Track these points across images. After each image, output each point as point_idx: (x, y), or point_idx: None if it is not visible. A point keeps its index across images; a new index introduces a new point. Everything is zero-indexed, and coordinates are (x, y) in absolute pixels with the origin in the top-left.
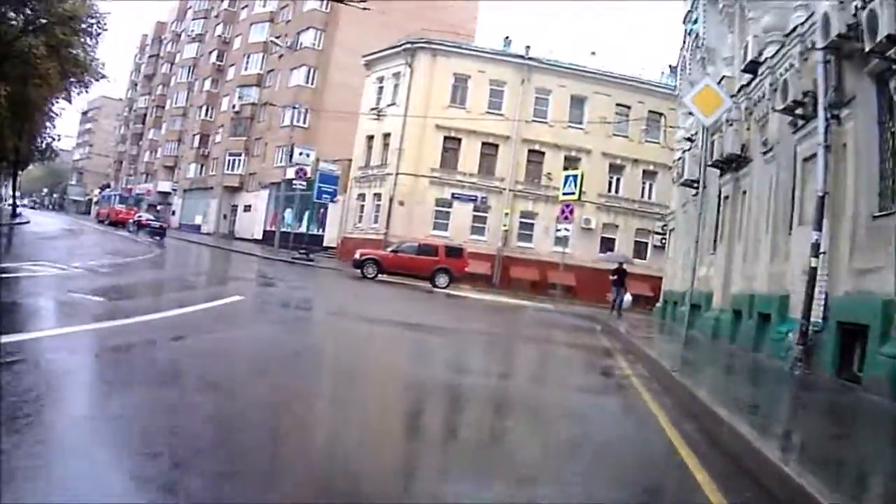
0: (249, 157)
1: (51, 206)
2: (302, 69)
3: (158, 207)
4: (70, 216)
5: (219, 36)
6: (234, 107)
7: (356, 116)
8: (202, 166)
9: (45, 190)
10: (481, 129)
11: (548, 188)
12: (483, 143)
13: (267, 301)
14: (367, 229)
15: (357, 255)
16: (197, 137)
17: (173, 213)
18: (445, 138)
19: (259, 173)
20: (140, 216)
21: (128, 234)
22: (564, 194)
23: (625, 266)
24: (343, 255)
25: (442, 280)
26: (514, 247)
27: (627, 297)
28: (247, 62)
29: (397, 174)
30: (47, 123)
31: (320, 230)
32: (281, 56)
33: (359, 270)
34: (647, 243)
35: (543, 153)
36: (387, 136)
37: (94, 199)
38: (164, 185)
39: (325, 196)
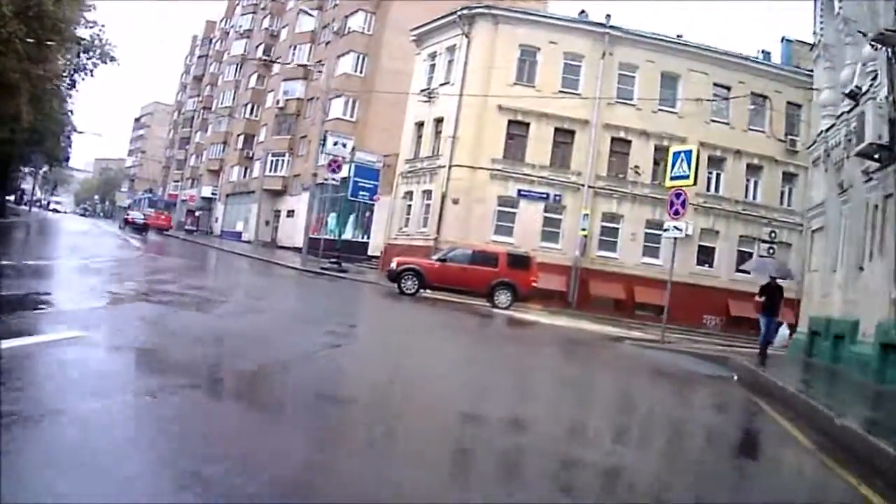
0: (294, 157)
1: (101, 214)
2: (349, 56)
3: (197, 213)
4: (108, 222)
5: (266, 29)
6: (278, 102)
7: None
8: (246, 169)
9: (97, 197)
10: (554, 111)
11: (635, 184)
12: (556, 129)
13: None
14: (415, 234)
15: (393, 265)
16: (241, 138)
17: (215, 219)
18: (510, 122)
19: (303, 175)
20: (128, 215)
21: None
22: (674, 178)
23: (780, 282)
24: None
25: (503, 298)
26: (593, 257)
27: (783, 332)
28: (293, 54)
29: (451, 167)
30: (50, 108)
31: (365, 236)
32: (328, 43)
33: (396, 284)
34: (751, 254)
35: (629, 141)
36: (439, 121)
37: (126, 205)
38: (208, 191)
39: (361, 193)
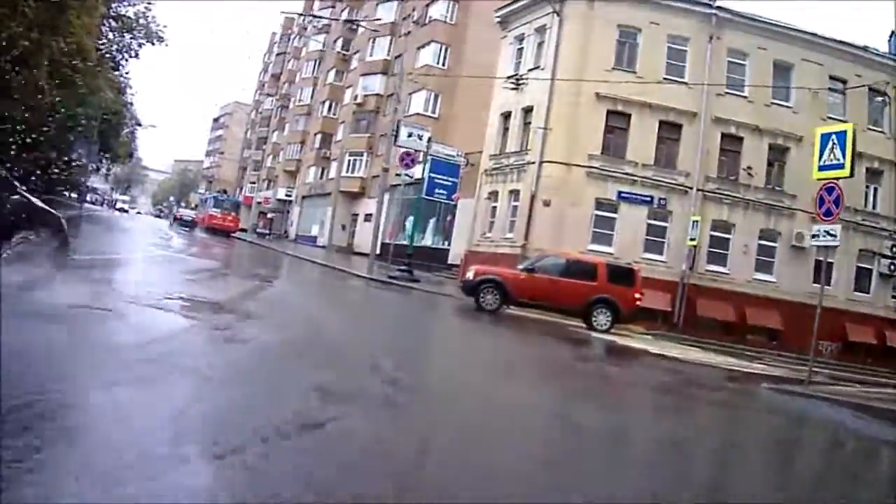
0: (372, 156)
1: None
2: (431, 46)
3: (269, 216)
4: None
5: (345, 21)
6: (356, 98)
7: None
8: (323, 170)
9: (172, 198)
10: (658, 100)
11: (747, 188)
12: (661, 123)
13: None
14: (500, 240)
15: (469, 275)
16: (318, 137)
17: (290, 223)
18: (609, 113)
19: (381, 178)
20: (178, 212)
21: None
22: (823, 168)
23: None
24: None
25: (602, 319)
26: (701, 271)
27: None
28: (372, 47)
29: (542, 163)
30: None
31: (445, 243)
32: (408, 33)
33: (473, 299)
34: (870, 270)
35: (741, 139)
36: (528, 111)
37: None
38: (284, 193)
39: (438, 192)
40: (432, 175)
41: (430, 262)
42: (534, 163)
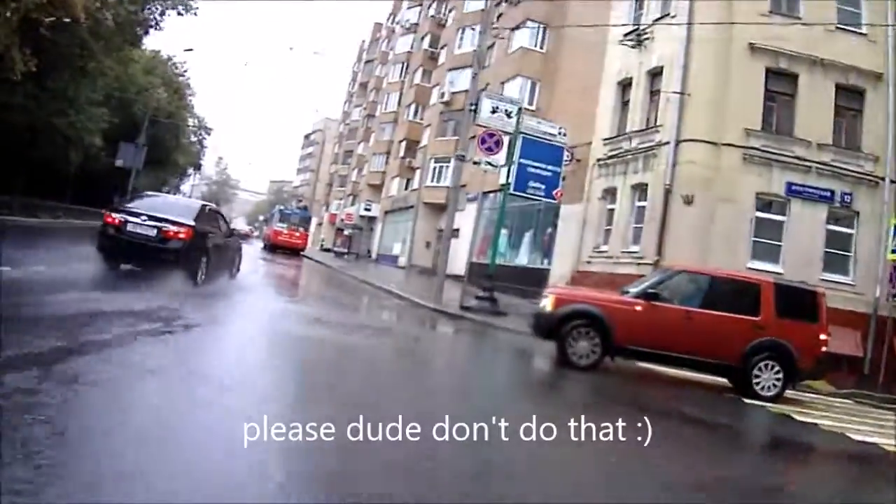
0: (460, 172)
1: None
2: (526, 28)
3: (347, 233)
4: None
5: (432, 17)
6: (442, 96)
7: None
8: (407, 181)
9: (261, 217)
10: (832, 56)
11: None
12: (837, 87)
13: None
14: (620, 255)
15: (546, 305)
16: (402, 145)
17: (374, 240)
18: (769, 73)
19: (470, 184)
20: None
21: None
22: None
23: None
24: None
25: (769, 378)
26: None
27: None
28: (460, 39)
29: (678, 142)
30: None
31: (545, 262)
32: (500, 16)
33: (555, 344)
34: None
35: None
36: (655, 74)
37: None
38: (368, 208)
39: (533, 186)
40: (524, 162)
41: (526, 285)
42: (667, 143)
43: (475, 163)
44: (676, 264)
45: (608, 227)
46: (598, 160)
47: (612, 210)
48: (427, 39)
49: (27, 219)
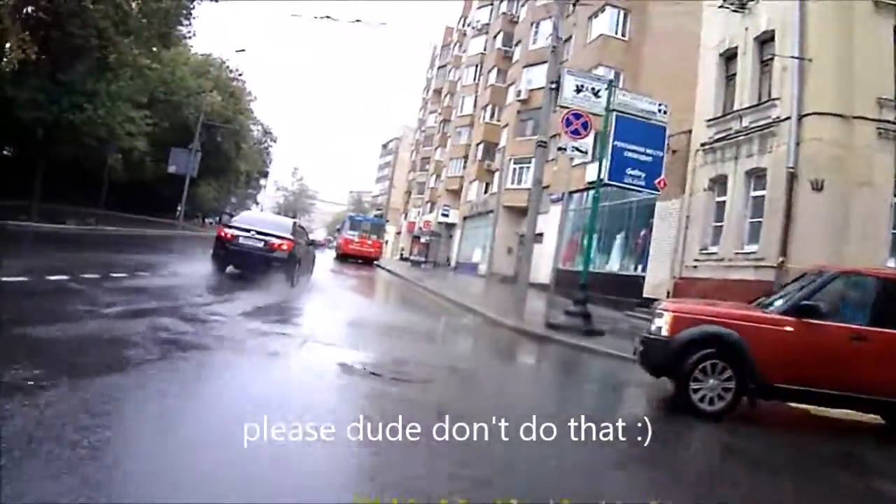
0: (542, 162)
1: None
2: (606, 13)
3: (423, 240)
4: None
5: (504, 14)
6: (519, 94)
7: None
8: (486, 185)
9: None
10: None
11: None
12: None
13: None
14: (732, 256)
15: (661, 327)
16: (480, 147)
17: (453, 248)
18: None
19: (553, 183)
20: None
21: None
22: None
23: None
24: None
25: None
26: None
27: None
28: (535, 34)
29: (801, 117)
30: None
31: (638, 268)
32: (576, 4)
33: (674, 382)
34: None
35: None
36: (764, 40)
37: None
38: (445, 214)
39: (630, 175)
40: (620, 145)
41: (618, 294)
42: (787, 119)
43: (560, 149)
44: (828, 265)
45: (717, 224)
46: (703, 145)
47: (721, 203)
48: (500, 38)
49: (45, 224)
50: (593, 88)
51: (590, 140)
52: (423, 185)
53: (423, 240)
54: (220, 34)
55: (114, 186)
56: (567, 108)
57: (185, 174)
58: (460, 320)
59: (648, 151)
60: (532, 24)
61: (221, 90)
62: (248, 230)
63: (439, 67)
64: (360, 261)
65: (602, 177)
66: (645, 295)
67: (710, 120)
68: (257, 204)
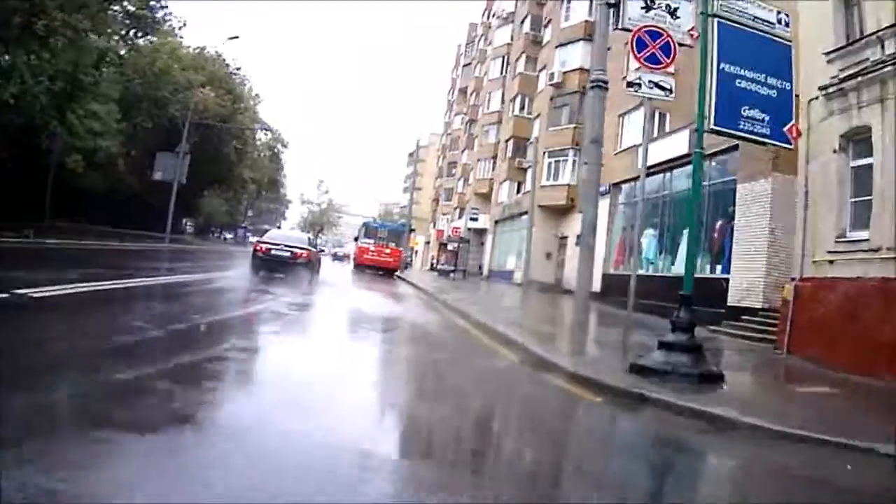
0: (580, 154)
1: None
2: None
3: (451, 247)
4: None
5: None
6: (552, 78)
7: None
8: (518, 185)
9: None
10: None
11: None
12: None
13: None
14: (883, 248)
15: None
16: (510, 144)
17: (484, 255)
18: None
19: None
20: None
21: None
22: None
23: None
24: (799, 340)
25: None
26: None
27: None
28: (567, 9)
29: None
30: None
31: (717, 269)
32: None
33: None
34: None
35: None
36: None
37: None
38: (474, 219)
39: (747, 117)
40: (728, 70)
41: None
42: None
43: (631, 84)
44: None
45: (856, 200)
46: (823, 90)
47: (863, 168)
48: (528, 22)
49: None
50: (668, 5)
51: (670, 79)
52: (450, 190)
53: (450, 247)
54: (244, 48)
55: (85, 195)
56: (634, 27)
57: (172, 181)
58: (499, 363)
59: (771, 81)
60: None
61: (216, 86)
62: (277, 244)
63: (464, 66)
64: (379, 272)
65: (707, 119)
66: (730, 303)
67: (829, 52)
68: (285, 219)
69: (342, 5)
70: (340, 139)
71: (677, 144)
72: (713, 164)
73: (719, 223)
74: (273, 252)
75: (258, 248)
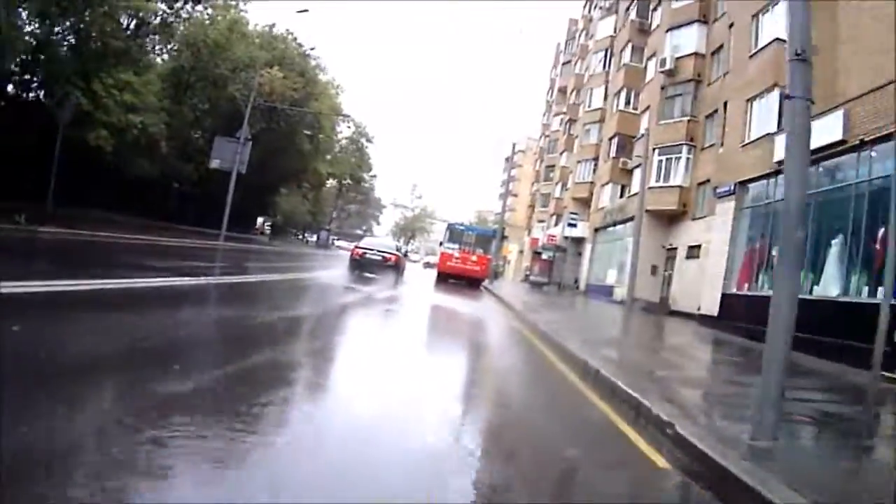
0: (696, 150)
1: None
2: None
3: (545, 257)
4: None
5: None
6: (662, 63)
7: None
8: (622, 188)
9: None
10: None
11: None
12: None
13: None
14: None
15: None
16: (614, 142)
17: (582, 266)
18: None
19: (716, 177)
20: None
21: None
22: None
23: None
24: None
25: None
26: None
27: None
28: None
29: None
30: None
31: (877, 292)
32: None
33: None
34: None
35: None
36: None
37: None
38: (572, 227)
39: None
40: None
41: (841, 335)
42: None
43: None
44: None
45: None
46: None
47: None
48: (633, 9)
49: None
50: None
51: None
52: (547, 196)
53: (545, 256)
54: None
55: (117, 180)
56: None
57: (230, 170)
58: (597, 456)
59: None
60: None
61: (287, 68)
62: (371, 249)
63: (563, 64)
64: (463, 281)
65: None
66: None
67: None
68: (378, 224)
69: (439, 6)
70: (434, 144)
71: (824, 131)
72: (872, 153)
73: (880, 232)
74: (367, 256)
75: (355, 252)
